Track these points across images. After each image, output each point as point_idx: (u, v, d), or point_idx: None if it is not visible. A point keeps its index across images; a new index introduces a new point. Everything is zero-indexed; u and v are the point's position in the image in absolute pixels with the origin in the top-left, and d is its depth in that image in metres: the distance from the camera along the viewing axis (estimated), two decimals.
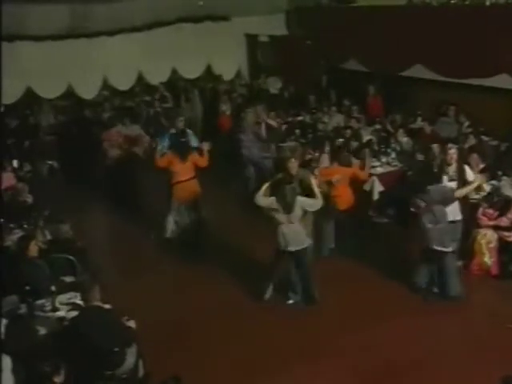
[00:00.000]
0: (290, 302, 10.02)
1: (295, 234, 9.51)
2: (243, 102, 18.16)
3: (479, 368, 8.03)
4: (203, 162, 11.94)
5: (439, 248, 9.44)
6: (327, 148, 11.92)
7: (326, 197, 10.74)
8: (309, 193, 9.70)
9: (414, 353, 8.56)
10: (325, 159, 11.71)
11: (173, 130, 12.36)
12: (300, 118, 16.91)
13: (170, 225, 12.00)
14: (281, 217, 9.43)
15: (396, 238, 11.90)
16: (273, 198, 9.42)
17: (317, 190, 9.64)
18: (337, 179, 11.03)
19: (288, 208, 9.37)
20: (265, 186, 9.66)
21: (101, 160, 14.67)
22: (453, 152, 9.87)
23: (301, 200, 9.49)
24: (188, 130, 12.75)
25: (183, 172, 11.74)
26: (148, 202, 13.87)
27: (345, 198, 11.30)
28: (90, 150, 15.23)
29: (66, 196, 13.76)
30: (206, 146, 11.98)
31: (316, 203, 9.61)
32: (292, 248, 9.55)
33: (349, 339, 8.92)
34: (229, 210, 13.61)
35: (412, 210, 9.81)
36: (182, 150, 11.81)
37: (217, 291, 10.40)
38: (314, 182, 9.76)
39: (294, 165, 10.12)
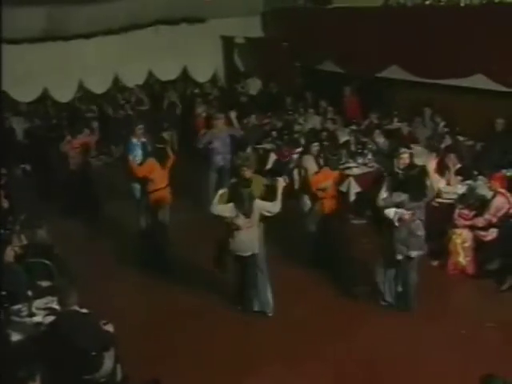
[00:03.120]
0: (256, 309, 9.82)
1: (250, 239, 9.35)
2: (218, 104, 18.13)
3: (459, 367, 8.07)
4: (173, 161, 11.85)
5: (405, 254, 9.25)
6: (315, 148, 11.59)
7: (314, 201, 10.90)
8: (266, 198, 9.58)
9: (393, 354, 8.57)
10: (310, 160, 11.43)
11: (134, 139, 11.93)
12: (276, 120, 16.88)
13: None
14: (240, 221, 9.22)
15: (372, 240, 11.79)
16: (231, 205, 9.22)
17: (279, 195, 9.38)
18: (329, 185, 10.83)
19: (247, 212, 9.20)
20: (219, 194, 9.42)
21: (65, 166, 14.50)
22: (405, 156, 9.70)
23: (259, 203, 9.31)
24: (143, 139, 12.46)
25: (161, 180, 11.49)
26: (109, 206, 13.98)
27: (332, 202, 11.01)
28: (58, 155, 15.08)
29: (39, 200, 13.58)
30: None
31: (274, 207, 9.34)
32: (245, 253, 9.41)
33: (326, 343, 8.92)
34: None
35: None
36: (162, 157, 11.58)
37: (182, 297, 10.36)
38: (279, 186, 9.46)
39: (246, 172, 9.92)
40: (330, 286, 10.43)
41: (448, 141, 13.66)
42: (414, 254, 9.18)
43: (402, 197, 8.94)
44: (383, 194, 9.14)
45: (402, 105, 16.01)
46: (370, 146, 14.10)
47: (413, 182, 9.07)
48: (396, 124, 15.61)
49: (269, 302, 9.73)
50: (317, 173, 10.93)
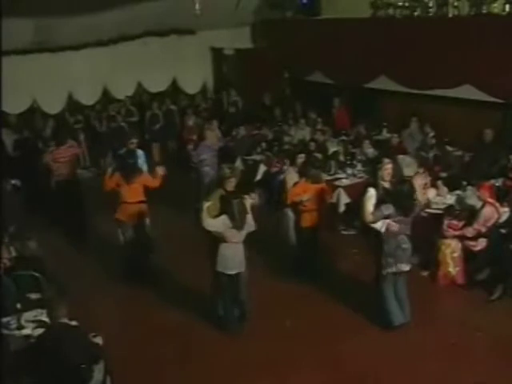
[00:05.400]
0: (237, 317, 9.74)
1: (238, 256, 9.27)
2: (208, 115, 18.14)
3: (449, 376, 8.09)
4: (154, 183, 11.37)
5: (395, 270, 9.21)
6: (300, 160, 11.48)
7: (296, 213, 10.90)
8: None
9: (384, 364, 8.57)
10: (292, 173, 11.43)
11: (122, 151, 11.73)
12: (265, 131, 16.86)
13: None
14: (231, 234, 9.09)
15: (361, 251, 11.80)
16: (224, 218, 9.03)
17: (249, 213, 9.26)
18: (306, 198, 10.71)
19: (240, 225, 9.09)
20: (205, 206, 9.14)
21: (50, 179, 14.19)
22: (389, 167, 9.63)
23: (249, 217, 9.21)
24: (139, 151, 12.16)
25: (129, 194, 11.19)
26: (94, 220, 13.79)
27: (312, 215, 10.94)
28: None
29: (27, 213, 13.50)
30: (160, 171, 11.45)
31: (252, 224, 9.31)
32: (232, 271, 9.31)
33: (315, 356, 8.91)
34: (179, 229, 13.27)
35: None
36: (128, 171, 11.23)
37: (166, 312, 10.31)
38: (248, 205, 9.31)
39: (231, 184, 9.58)
40: (318, 298, 10.40)
41: (437, 151, 13.71)
42: (403, 267, 9.14)
43: (391, 209, 8.90)
44: (370, 208, 9.03)
45: (391, 115, 16.05)
46: (359, 157, 14.13)
47: (401, 197, 8.98)
48: (385, 134, 15.66)
49: (247, 311, 9.66)
50: (295, 184, 10.92)
